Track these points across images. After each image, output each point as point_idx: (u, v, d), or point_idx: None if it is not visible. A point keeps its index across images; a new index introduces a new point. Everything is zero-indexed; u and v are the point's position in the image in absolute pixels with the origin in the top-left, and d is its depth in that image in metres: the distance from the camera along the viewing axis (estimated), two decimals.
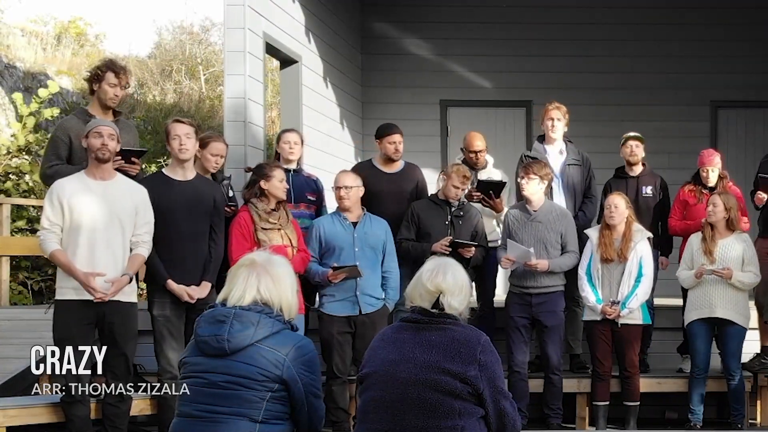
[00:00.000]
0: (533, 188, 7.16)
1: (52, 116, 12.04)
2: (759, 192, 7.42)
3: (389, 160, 7.56)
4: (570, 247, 7.23)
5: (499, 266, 7.47)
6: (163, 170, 6.46)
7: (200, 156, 6.57)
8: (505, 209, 7.64)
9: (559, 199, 7.62)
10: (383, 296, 6.96)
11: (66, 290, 5.74)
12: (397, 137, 7.50)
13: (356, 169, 7.46)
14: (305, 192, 7.39)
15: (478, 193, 7.57)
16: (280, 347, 3.62)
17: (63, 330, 5.68)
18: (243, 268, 3.74)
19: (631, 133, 7.88)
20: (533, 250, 7.04)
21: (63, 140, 6.19)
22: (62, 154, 6.18)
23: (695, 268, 7.21)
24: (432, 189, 7.72)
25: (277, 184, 6.56)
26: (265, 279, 3.70)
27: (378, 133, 7.65)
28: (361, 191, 6.94)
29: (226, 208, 6.58)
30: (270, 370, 3.60)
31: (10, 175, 11.92)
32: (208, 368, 3.63)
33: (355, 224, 6.89)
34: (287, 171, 7.19)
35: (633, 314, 7.13)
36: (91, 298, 5.68)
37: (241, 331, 3.61)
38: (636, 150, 7.78)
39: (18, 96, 12.22)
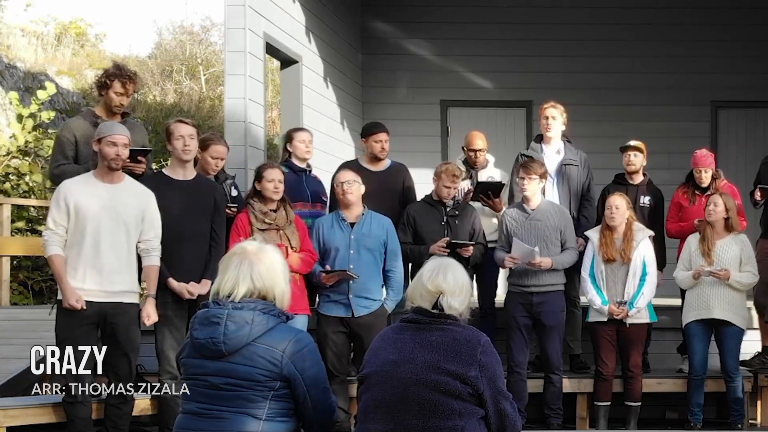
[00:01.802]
0: (534, 188, 7.17)
1: (49, 118, 12.08)
2: (756, 192, 7.43)
3: (375, 158, 7.56)
4: (569, 244, 7.24)
5: (500, 266, 7.48)
6: (163, 170, 6.46)
7: (200, 158, 6.57)
8: (504, 209, 7.64)
9: (553, 198, 7.61)
10: (381, 297, 6.94)
11: None
12: (383, 136, 7.49)
13: (343, 168, 7.44)
14: (320, 192, 7.41)
15: (475, 194, 7.58)
16: (276, 344, 3.61)
17: (65, 330, 5.68)
18: (234, 257, 3.71)
19: (631, 142, 7.80)
20: (538, 249, 7.05)
21: (69, 140, 6.24)
22: (68, 154, 6.23)
23: (693, 268, 7.20)
24: (427, 189, 7.70)
25: (266, 184, 6.53)
26: (257, 266, 3.67)
27: (364, 132, 7.66)
28: (362, 188, 6.91)
29: (226, 210, 6.58)
30: (269, 369, 3.59)
31: (10, 176, 11.93)
32: (209, 371, 3.62)
33: (353, 225, 6.87)
34: (302, 171, 7.24)
35: (640, 313, 7.14)
36: (92, 298, 5.69)
37: (237, 331, 3.59)
38: (633, 159, 7.70)
39: (14, 95, 12.21)
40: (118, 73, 6.32)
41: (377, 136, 7.49)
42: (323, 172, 8.02)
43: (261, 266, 3.68)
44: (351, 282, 6.76)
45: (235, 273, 3.67)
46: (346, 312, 6.83)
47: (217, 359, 3.61)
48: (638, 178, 7.81)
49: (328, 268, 6.74)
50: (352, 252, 6.80)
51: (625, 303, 7.07)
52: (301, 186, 7.25)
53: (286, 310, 3.75)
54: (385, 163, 7.62)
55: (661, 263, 7.64)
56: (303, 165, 7.36)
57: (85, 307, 5.66)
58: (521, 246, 7.06)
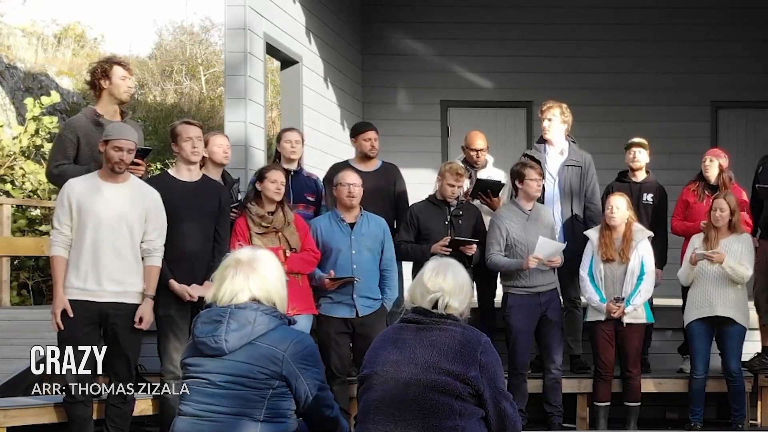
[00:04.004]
0: (540, 188, 7.20)
1: (51, 123, 12.07)
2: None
3: (366, 158, 7.56)
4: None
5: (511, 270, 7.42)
6: (169, 171, 6.45)
7: (206, 153, 6.56)
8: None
9: (554, 199, 7.59)
10: (381, 296, 6.94)
11: (69, 290, 5.72)
12: (371, 134, 7.51)
13: (334, 170, 7.44)
14: (304, 192, 7.38)
15: (474, 192, 7.57)
16: (278, 344, 3.63)
17: (66, 330, 5.67)
18: (229, 269, 3.71)
19: (635, 139, 7.79)
20: (565, 244, 7.09)
21: (71, 139, 6.18)
22: (69, 153, 6.16)
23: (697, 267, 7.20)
24: (428, 189, 7.69)
25: (269, 185, 6.54)
26: (253, 277, 3.68)
27: (353, 131, 7.68)
28: (362, 191, 6.92)
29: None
30: (269, 368, 3.61)
31: (15, 176, 11.94)
32: (208, 369, 3.64)
33: (352, 225, 6.86)
34: (288, 171, 7.19)
35: (637, 313, 7.13)
36: (94, 298, 5.69)
37: (238, 330, 3.60)
38: (639, 156, 7.72)
39: (30, 101, 12.21)
40: (114, 60, 6.29)
41: (366, 134, 7.50)
42: (323, 172, 8.01)
43: (256, 276, 3.69)
44: (354, 283, 6.76)
45: (230, 285, 3.67)
46: (350, 312, 6.82)
47: (217, 357, 3.61)
48: (641, 176, 7.80)
49: (332, 273, 6.72)
50: (354, 252, 6.80)
51: (623, 299, 7.07)
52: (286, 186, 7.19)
53: (286, 313, 3.76)
54: (376, 163, 7.62)
55: (662, 261, 7.64)
56: (289, 165, 7.29)
57: (71, 315, 5.64)
58: (550, 243, 7.02)
